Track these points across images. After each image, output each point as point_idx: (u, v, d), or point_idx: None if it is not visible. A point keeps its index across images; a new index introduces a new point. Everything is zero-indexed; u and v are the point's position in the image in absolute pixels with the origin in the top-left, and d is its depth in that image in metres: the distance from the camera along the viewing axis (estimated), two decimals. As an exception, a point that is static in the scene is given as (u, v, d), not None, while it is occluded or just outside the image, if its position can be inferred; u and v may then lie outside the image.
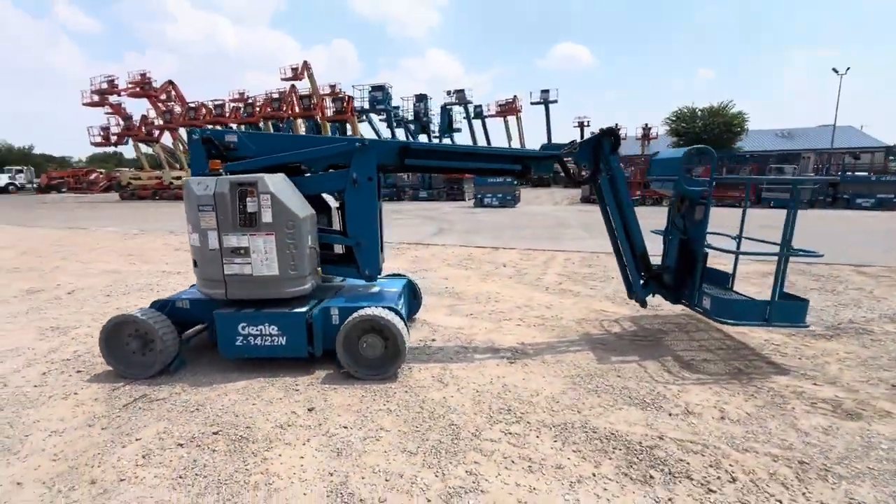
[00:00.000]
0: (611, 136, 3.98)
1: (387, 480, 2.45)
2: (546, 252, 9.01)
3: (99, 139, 35.03)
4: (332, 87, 33.35)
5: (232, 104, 31.43)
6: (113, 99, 34.68)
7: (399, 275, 4.97)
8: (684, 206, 4.27)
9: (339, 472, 2.53)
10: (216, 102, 32.31)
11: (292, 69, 32.65)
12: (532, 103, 39.13)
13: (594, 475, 2.48)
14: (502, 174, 4.35)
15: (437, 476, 2.49)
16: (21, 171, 43.69)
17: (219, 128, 3.90)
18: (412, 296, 4.90)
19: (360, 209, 4.02)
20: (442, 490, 2.38)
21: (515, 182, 19.17)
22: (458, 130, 35.00)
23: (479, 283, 6.67)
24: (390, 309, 3.75)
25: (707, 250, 3.99)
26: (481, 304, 5.69)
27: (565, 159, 4.10)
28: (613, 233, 4.36)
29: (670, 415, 3.08)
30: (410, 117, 29.44)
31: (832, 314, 5.13)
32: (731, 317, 3.78)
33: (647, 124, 39.84)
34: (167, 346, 3.67)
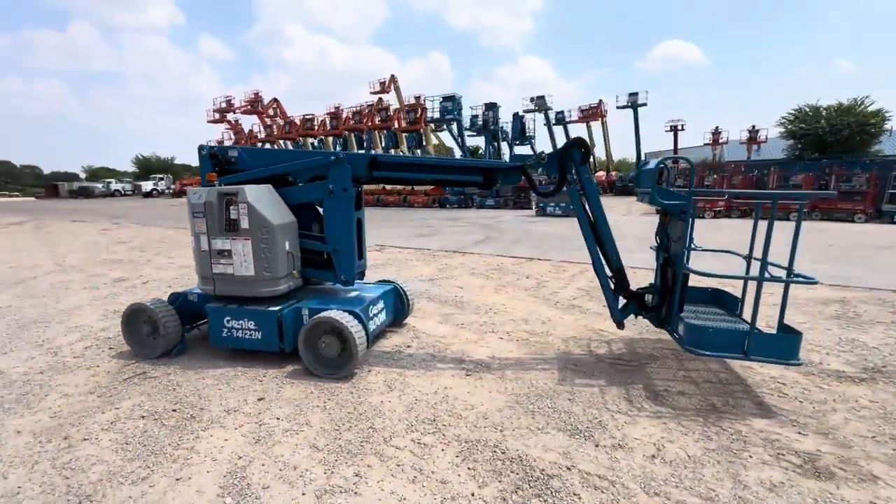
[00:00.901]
0: (580, 147, 3.79)
1: (280, 470, 2.66)
2: (580, 265, 8.58)
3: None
4: (417, 98, 34.86)
5: (321, 118, 34.29)
6: (231, 116, 39.77)
7: (387, 281, 5.18)
8: (668, 221, 3.91)
9: (247, 457, 2.80)
10: (307, 116, 35.41)
11: (380, 83, 34.78)
12: (618, 107, 37.09)
13: (473, 495, 2.44)
14: (466, 185, 4.34)
15: (325, 473, 2.63)
16: (162, 179, 52.02)
17: (226, 143, 4.43)
18: (398, 302, 5.06)
19: (337, 218, 4.31)
20: (322, 486, 2.52)
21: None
22: (532, 138, 34.35)
23: (491, 294, 6.62)
24: (351, 313, 3.97)
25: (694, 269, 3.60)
26: (479, 314, 5.67)
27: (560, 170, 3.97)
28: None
29: (597, 446, 2.87)
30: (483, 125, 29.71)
31: (885, 354, 4.27)
32: (704, 346, 3.37)
33: (754, 126, 35.41)
34: (169, 332, 4.27)
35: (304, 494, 2.46)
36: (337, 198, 4.25)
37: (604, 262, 3.98)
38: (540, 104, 36.82)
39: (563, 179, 3.87)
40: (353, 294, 4.55)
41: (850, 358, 4.18)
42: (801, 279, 3.21)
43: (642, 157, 37.95)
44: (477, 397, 3.53)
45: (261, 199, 4.04)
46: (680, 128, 36.86)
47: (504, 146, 35.73)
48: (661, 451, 2.80)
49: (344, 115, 31.25)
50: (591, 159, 38.68)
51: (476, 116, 30.87)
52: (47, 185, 54.27)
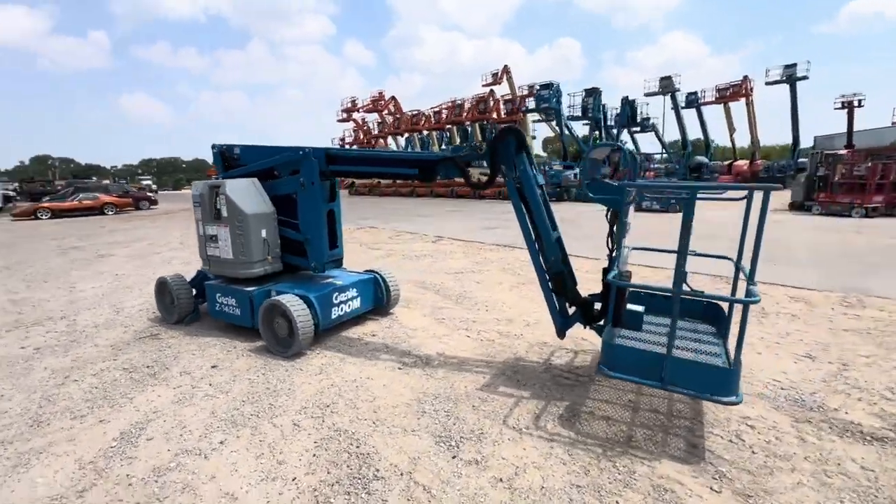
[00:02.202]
0: (514, 135, 3.45)
1: (171, 427, 3.07)
2: (648, 268, 7.65)
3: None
4: (531, 87, 33.89)
5: (427, 113, 35.54)
6: (356, 115, 43.72)
7: (371, 271, 5.35)
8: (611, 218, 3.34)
9: (160, 412, 3.27)
10: (434, 109, 36.84)
11: (492, 74, 34.78)
12: (768, 83, 31.23)
13: (294, 479, 2.52)
14: (406, 178, 4.21)
15: (200, 436, 2.96)
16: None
17: (238, 142, 5.07)
18: (377, 291, 5.21)
19: (308, 209, 4.63)
20: (187, 446, 2.84)
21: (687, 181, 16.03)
22: (645, 123, 30.74)
23: (502, 292, 6.36)
24: (303, 298, 4.27)
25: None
26: (471, 311, 5.52)
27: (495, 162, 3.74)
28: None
29: (453, 458, 2.69)
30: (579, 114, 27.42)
31: (960, 412, 3.06)
32: (616, 368, 2.85)
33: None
34: (182, 303, 5.10)
35: (168, 450, 2.81)
36: (307, 190, 4.55)
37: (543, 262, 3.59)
38: (666, 86, 32.91)
39: (494, 170, 3.57)
40: (326, 281, 4.84)
41: (890, 410, 3.11)
42: (743, 299, 2.52)
43: (800, 143, 31.48)
44: (387, 391, 3.53)
45: (238, 191, 4.54)
46: (857, 104, 29.56)
47: (623, 135, 32.97)
48: (516, 477, 2.51)
49: (444, 110, 32.06)
50: (710, 147, 33.53)
51: (571, 106, 28.73)
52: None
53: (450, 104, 31.69)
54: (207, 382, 3.72)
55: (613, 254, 3.37)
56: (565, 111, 26.46)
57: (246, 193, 4.59)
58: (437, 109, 32.60)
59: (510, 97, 28.71)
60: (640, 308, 3.59)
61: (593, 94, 25.90)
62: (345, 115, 43.34)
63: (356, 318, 5.15)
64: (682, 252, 2.66)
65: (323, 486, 2.47)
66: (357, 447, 2.81)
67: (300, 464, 2.66)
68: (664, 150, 35.67)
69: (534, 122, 31.53)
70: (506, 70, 33.63)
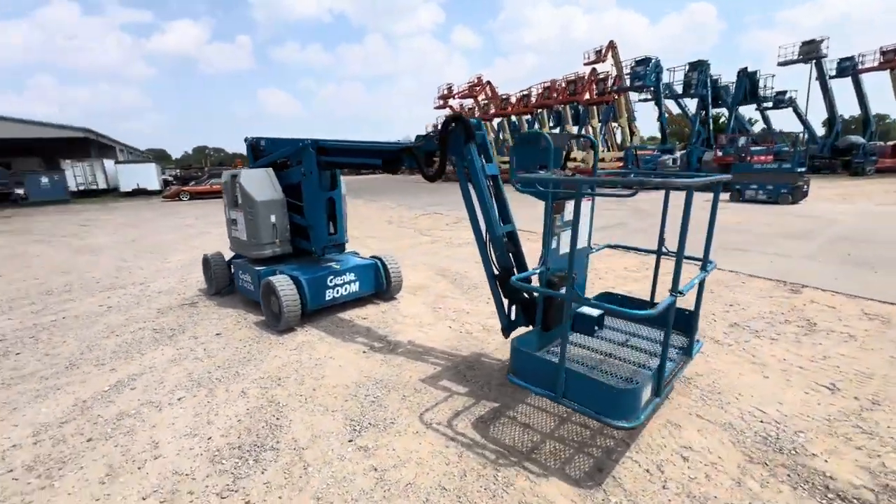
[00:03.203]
0: (462, 124, 3.30)
1: (151, 380, 3.63)
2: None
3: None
4: (641, 60, 30.74)
5: (516, 96, 34.35)
6: (452, 102, 44.22)
7: (375, 257, 5.55)
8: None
9: (155, 368, 3.89)
10: (524, 92, 35.93)
11: (595, 52, 32.53)
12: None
13: (210, 439, 2.85)
14: (374, 168, 4.19)
15: (168, 391, 3.46)
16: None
17: (271, 136, 5.61)
18: (378, 277, 5.40)
19: (309, 198, 4.98)
20: (152, 398, 3.36)
21: (799, 168, 13.25)
22: (779, 98, 25.86)
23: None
24: (294, 279, 4.65)
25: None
26: (471, 302, 5.45)
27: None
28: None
29: (350, 441, 2.79)
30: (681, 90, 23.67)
31: None
32: (519, 375, 2.64)
33: None
34: (218, 276, 5.87)
35: (137, 400, 3.35)
36: (307, 179, 4.90)
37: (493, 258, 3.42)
38: (808, 52, 27.57)
39: (442, 159, 3.46)
40: (326, 264, 5.17)
41: (893, 465, 2.43)
42: (639, 313, 2.18)
43: None
44: (338, 372, 3.73)
45: (251, 179, 5.05)
46: None
47: (742, 112, 28.46)
48: (393, 469, 2.53)
49: (533, 93, 30.71)
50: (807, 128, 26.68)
51: (671, 84, 25.08)
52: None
53: (540, 86, 30.33)
54: (203, 347, 4.30)
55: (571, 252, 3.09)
56: (675, 88, 23.43)
57: (258, 182, 5.08)
58: (526, 92, 31.44)
59: (606, 75, 26.46)
60: (594, 312, 3.28)
61: (698, 67, 22.51)
62: (441, 102, 44.10)
63: (358, 301, 5.43)
64: (569, 252, 2.36)
65: (227, 447, 2.76)
66: (276, 419, 3.06)
67: (223, 426, 2.98)
68: (805, 130, 30.12)
69: (639, 100, 28.80)
70: (611, 46, 31.10)
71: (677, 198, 2.92)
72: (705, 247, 3.02)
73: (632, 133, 30.88)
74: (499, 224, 3.37)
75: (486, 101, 37.77)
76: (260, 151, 5.66)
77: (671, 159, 20.62)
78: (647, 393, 2.37)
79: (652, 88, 23.18)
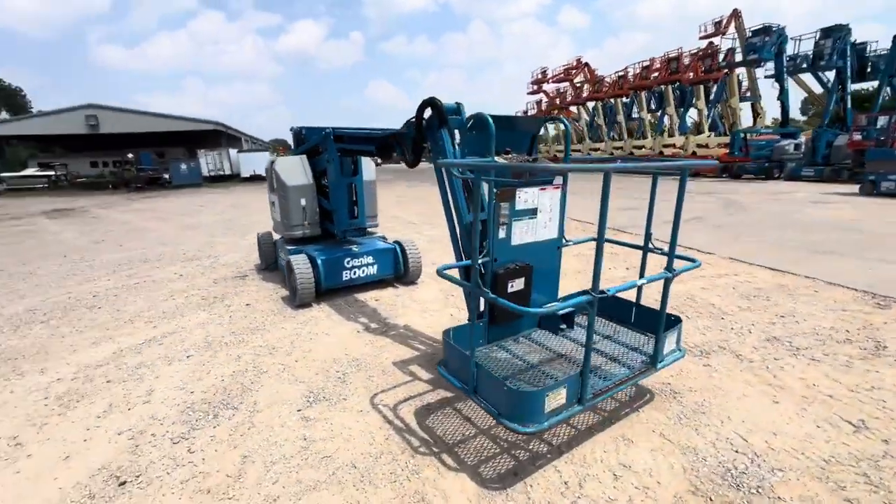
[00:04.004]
0: (435, 110, 3.22)
1: (177, 340, 4.21)
2: (779, 275, 5.89)
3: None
4: (759, 30, 26.53)
5: (610, 78, 31.74)
6: (546, 87, 42.61)
7: (396, 242, 5.69)
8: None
9: (184, 329, 4.49)
10: (619, 73, 33.41)
11: (714, 24, 28.90)
12: None
13: (201, 391, 3.26)
14: (371, 155, 4.19)
15: (182, 349, 3.99)
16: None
17: (315, 125, 6.06)
18: (396, 261, 5.54)
19: (333, 183, 5.28)
20: (179, 350, 3.91)
21: None
22: None
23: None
24: (311, 259, 5.01)
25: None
26: (487, 292, 5.35)
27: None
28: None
29: (299, 410, 2.98)
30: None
31: None
32: (446, 368, 2.56)
33: None
34: (265, 253, 6.51)
35: (157, 354, 3.92)
36: (331, 165, 5.19)
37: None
38: None
39: (419, 145, 3.42)
40: (346, 247, 5.45)
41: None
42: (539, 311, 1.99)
43: None
44: (325, 347, 3.96)
45: (284, 166, 5.49)
46: None
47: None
48: (321, 441, 2.66)
49: (630, 73, 28.04)
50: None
51: (795, 55, 20.51)
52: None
53: (638, 66, 27.68)
54: (230, 315, 4.85)
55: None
56: (802, 61, 19.64)
57: (291, 168, 5.51)
58: (622, 73, 28.93)
59: (707, 51, 23.19)
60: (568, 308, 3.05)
61: (834, 34, 18.21)
62: (534, 88, 42.74)
63: (378, 283, 5.65)
64: (471, 240, 2.22)
65: (200, 402, 3.13)
66: (251, 383, 3.38)
67: (206, 385, 3.38)
68: None
69: (766, 77, 24.93)
70: (735, 15, 27.24)
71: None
72: (671, 243, 2.64)
73: (756, 114, 26.91)
74: (467, 212, 3.27)
75: (581, 84, 35.76)
76: (301, 140, 6.11)
77: (792, 145, 17.56)
78: (557, 399, 2.17)
79: (770, 62, 19.78)
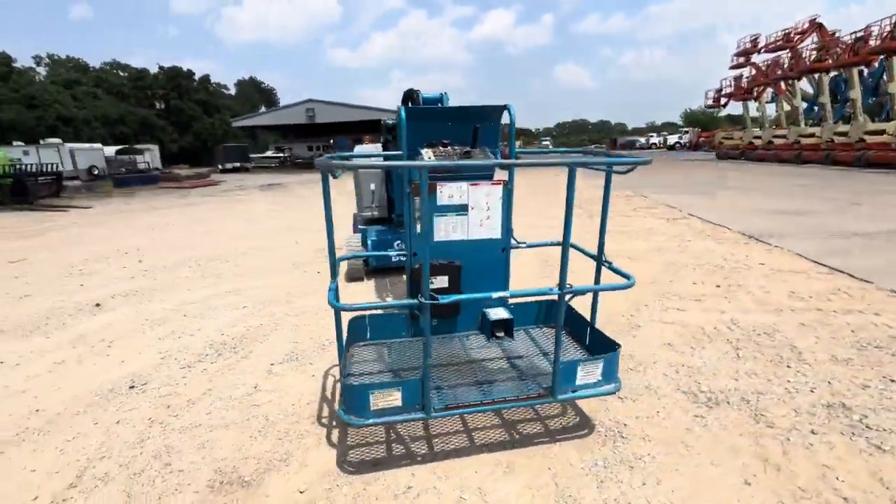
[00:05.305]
0: (407, 101, 3.22)
1: (233, 300, 5.25)
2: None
3: (710, 102, 37.05)
4: None
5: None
6: (756, 58, 34.96)
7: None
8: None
9: (256, 287, 5.54)
10: (857, 34, 24.92)
11: None
12: None
13: (196, 334, 4.11)
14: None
15: (230, 304, 4.98)
16: (687, 132, 53.86)
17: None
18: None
19: (395, 172, 5.68)
20: (218, 304, 4.92)
21: None
22: None
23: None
24: (363, 239, 5.54)
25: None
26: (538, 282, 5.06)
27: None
28: None
29: (272, 365, 3.50)
30: None
31: None
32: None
33: None
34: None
35: (226, 301, 4.97)
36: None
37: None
38: None
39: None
40: (402, 231, 5.79)
41: None
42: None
43: None
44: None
45: (361, 152, 6.11)
46: None
47: None
48: (250, 419, 3.11)
49: (874, 33, 20.23)
50: None
51: None
52: (608, 140, 69.69)
53: (889, 23, 19.89)
54: (301, 279, 5.75)
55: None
56: None
57: (366, 154, 6.10)
58: (861, 34, 21.20)
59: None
60: (497, 315, 2.85)
61: None
62: (741, 60, 35.44)
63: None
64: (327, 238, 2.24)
65: (219, 343, 3.93)
66: (266, 336, 4.06)
67: (235, 332, 4.18)
68: None
69: None
70: None
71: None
72: (598, 247, 2.20)
73: None
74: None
75: (814, 49, 28.14)
76: (390, 129, 6.66)
77: None
78: (388, 399, 2.10)
79: None
